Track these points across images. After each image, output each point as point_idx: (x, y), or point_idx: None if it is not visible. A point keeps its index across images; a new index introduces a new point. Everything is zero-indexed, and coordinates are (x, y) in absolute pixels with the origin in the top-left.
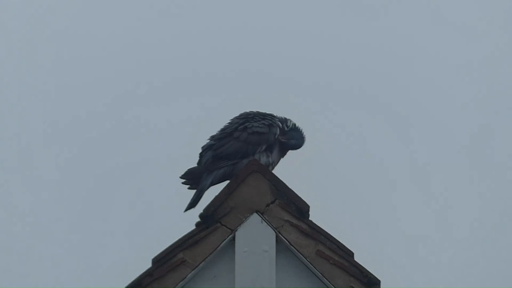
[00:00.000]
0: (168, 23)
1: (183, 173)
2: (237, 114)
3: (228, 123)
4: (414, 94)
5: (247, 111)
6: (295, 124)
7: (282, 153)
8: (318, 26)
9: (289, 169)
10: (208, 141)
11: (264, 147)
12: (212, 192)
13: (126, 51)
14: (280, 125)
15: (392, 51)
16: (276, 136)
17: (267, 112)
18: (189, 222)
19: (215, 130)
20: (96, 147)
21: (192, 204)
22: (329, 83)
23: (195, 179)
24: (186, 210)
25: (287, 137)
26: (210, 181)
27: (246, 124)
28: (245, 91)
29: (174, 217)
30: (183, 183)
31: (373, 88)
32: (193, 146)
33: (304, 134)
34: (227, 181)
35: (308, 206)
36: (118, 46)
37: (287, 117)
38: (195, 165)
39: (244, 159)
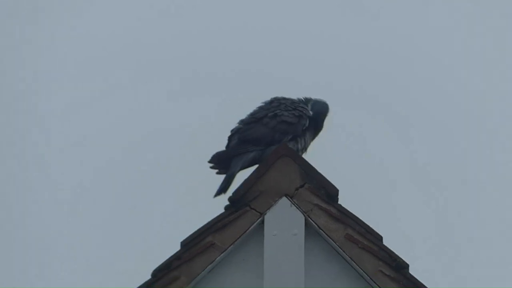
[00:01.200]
0: (167, 23)
1: (210, 157)
2: (257, 105)
3: (258, 107)
4: (414, 94)
5: (280, 96)
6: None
7: (313, 136)
8: (318, 26)
9: (319, 154)
10: (237, 125)
11: (291, 136)
12: (242, 176)
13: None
14: (310, 114)
15: (392, 51)
16: (305, 127)
17: (301, 99)
18: (218, 205)
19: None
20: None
21: (223, 189)
22: (329, 83)
23: (222, 163)
24: (216, 195)
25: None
26: (240, 166)
27: (277, 111)
28: (245, 91)
29: (203, 200)
30: (211, 167)
31: (373, 88)
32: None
33: (322, 100)
34: (256, 166)
35: (337, 190)
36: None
37: (308, 97)
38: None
39: (271, 145)
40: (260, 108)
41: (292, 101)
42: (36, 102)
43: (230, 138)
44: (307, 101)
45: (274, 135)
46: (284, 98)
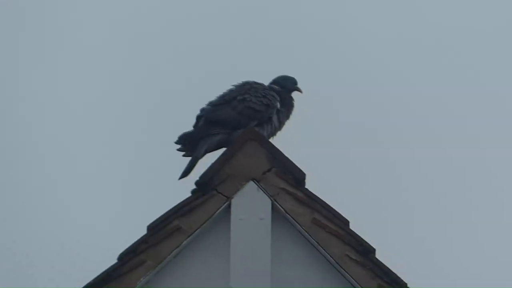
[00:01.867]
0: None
1: (177, 137)
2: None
3: (229, 90)
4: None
5: (252, 81)
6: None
7: (286, 117)
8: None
9: (285, 138)
10: (206, 105)
11: (256, 122)
12: (208, 160)
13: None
14: (279, 105)
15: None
16: (272, 115)
17: (272, 86)
18: (185, 189)
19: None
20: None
21: (186, 172)
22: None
23: (189, 144)
24: (180, 178)
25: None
26: (205, 149)
27: (246, 96)
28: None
29: (170, 184)
30: (178, 149)
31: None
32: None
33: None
34: (222, 149)
35: (304, 174)
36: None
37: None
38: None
39: (237, 129)
40: (231, 90)
41: (263, 88)
42: None
43: (198, 118)
44: (276, 83)
45: (241, 119)
46: (256, 83)
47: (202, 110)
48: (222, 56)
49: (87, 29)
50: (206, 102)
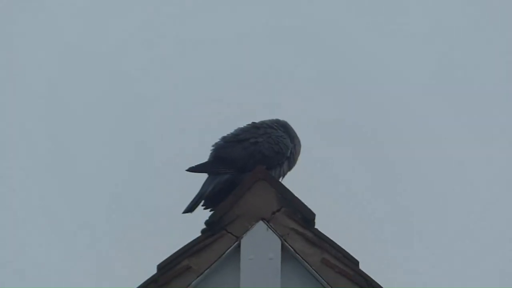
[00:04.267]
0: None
1: (188, 168)
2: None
3: (243, 129)
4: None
5: (269, 122)
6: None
7: (288, 168)
8: None
9: (296, 178)
10: (219, 140)
11: (264, 167)
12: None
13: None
14: (288, 155)
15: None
16: (281, 162)
17: (289, 131)
18: (195, 228)
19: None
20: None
21: (191, 207)
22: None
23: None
24: (184, 212)
25: None
26: (212, 188)
27: (259, 139)
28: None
29: (180, 223)
30: (188, 170)
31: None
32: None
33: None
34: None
35: (314, 214)
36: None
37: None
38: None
39: (244, 170)
40: (245, 130)
41: (277, 134)
42: None
43: (210, 154)
44: (290, 136)
45: (249, 161)
46: (271, 127)
47: (215, 144)
48: (222, 56)
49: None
50: (220, 137)
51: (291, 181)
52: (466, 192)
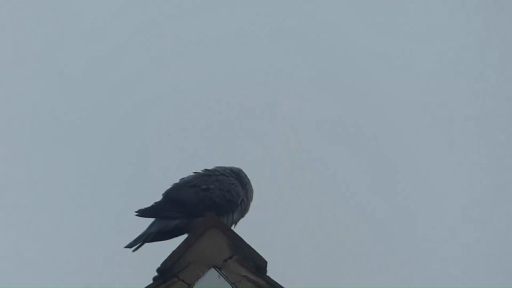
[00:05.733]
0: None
1: (138, 210)
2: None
3: (196, 175)
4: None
5: (221, 169)
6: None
7: (240, 215)
8: None
9: (247, 225)
10: (171, 186)
11: (213, 213)
12: (170, 246)
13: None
14: (238, 204)
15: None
16: (232, 210)
17: (242, 178)
18: (146, 276)
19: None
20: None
21: (133, 245)
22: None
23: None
24: (125, 247)
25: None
26: (159, 229)
27: (210, 186)
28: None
29: (131, 270)
30: (136, 214)
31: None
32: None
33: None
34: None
35: (266, 262)
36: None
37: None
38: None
39: (192, 216)
40: (197, 176)
41: (229, 182)
42: None
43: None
44: (242, 184)
45: (198, 206)
46: (223, 174)
47: (166, 190)
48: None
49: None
50: (171, 184)
51: (243, 228)
52: (465, 192)
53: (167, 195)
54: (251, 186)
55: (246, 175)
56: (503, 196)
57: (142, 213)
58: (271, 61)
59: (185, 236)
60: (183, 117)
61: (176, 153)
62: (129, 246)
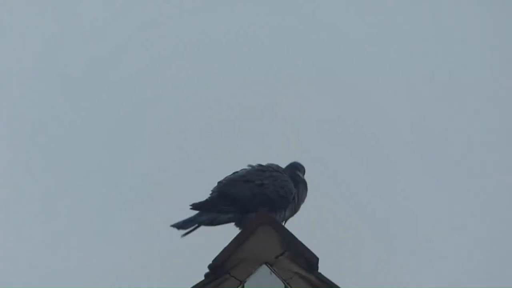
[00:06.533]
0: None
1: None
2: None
3: (250, 170)
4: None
5: (275, 166)
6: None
7: (291, 212)
8: None
9: (299, 221)
10: (224, 179)
11: (267, 209)
12: (221, 244)
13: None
14: (291, 201)
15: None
16: (285, 206)
17: (296, 176)
18: (198, 273)
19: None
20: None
21: (182, 227)
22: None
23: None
24: (172, 226)
25: None
26: (212, 220)
27: (265, 182)
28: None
29: (184, 267)
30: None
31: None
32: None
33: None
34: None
35: (317, 259)
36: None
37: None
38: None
39: (246, 211)
40: (251, 171)
41: (282, 179)
42: None
43: (214, 189)
44: (295, 181)
45: (252, 201)
46: (277, 171)
47: (219, 182)
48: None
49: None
50: (225, 176)
51: (295, 224)
52: (466, 192)
53: (221, 190)
54: (305, 186)
55: (301, 175)
56: (504, 196)
57: (197, 206)
58: (271, 61)
59: (235, 229)
60: (183, 117)
61: (176, 153)
62: (177, 226)
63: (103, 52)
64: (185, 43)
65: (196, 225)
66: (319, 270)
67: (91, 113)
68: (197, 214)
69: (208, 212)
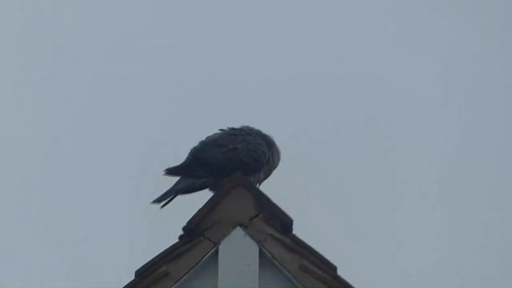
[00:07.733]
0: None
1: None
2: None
3: (223, 134)
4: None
5: (247, 128)
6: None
7: (265, 175)
8: None
9: (273, 183)
10: (198, 144)
11: (241, 173)
12: (195, 205)
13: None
14: (264, 163)
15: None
16: (259, 169)
17: (268, 139)
18: (172, 235)
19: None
20: None
21: (160, 200)
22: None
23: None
24: (152, 202)
25: None
26: (187, 187)
27: (238, 146)
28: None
29: (157, 229)
30: (165, 173)
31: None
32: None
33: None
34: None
35: (292, 220)
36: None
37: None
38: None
39: (220, 175)
40: (224, 135)
41: (255, 142)
42: None
43: (188, 155)
44: (268, 144)
45: (226, 166)
46: (250, 134)
47: (193, 148)
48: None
49: None
50: (198, 141)
51: (269, 186)
52: (466, 192)
53: (194, 156)
54: (277, 150)
55: (271, 138)
56: (505, 196)
57: (170, 171)
58: (271, 61)
59: (210, 193)
60: (183, 117)
61: (176, 153)
62: (157, 201)
63: (103, 51)
64: (185, 43)
65: (173, 195)
66: (294, 232)
67: (91, 113)
68: (174, 185)
69: (183, 179)
